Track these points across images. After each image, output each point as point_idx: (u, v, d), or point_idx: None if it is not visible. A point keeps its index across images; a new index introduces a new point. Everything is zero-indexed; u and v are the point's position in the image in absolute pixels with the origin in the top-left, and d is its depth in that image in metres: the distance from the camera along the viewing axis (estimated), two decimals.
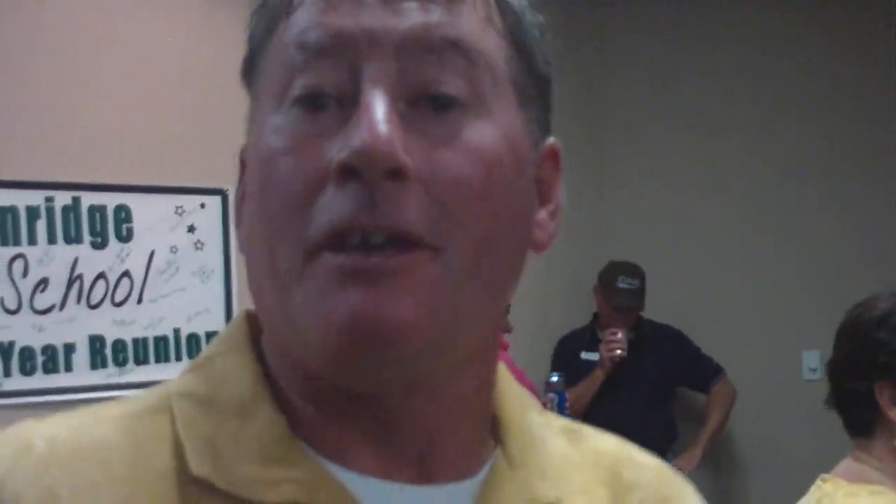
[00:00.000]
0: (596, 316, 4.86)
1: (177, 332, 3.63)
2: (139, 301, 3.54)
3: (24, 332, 3.31)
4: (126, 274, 3.52)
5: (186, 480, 0.71)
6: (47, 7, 3.41)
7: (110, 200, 3.50)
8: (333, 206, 0.67)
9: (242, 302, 3.58)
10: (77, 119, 3.44)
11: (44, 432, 0.72)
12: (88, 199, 3.45)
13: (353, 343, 0.67)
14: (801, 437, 4.60)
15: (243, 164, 0.81)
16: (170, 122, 3.62)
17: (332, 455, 0.73)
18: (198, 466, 0.71)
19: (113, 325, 3.48)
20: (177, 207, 3.64)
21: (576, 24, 5.06)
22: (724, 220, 4.96)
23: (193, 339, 3.64)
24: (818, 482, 2.00)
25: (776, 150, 4.83)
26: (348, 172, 0.66)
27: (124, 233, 3.52)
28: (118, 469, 0.70)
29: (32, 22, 3.37)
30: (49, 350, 3.35)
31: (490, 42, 0.74)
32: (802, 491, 2.03)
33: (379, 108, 0.68)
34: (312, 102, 0.71)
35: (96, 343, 3.45)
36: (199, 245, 3.66)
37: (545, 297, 4.76)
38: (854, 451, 2.00)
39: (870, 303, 2.02)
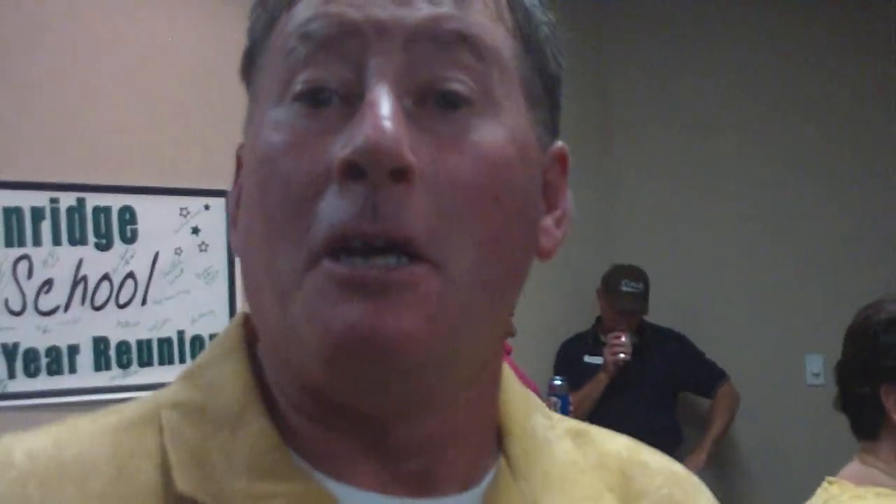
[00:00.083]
0: (599, 319, 4.86)
1: (181, 333, 3.63)
2: (143, 303, 3.55)
3: (29, 333, 3.31)
4: (130, 275, 3.52)
5: (171, 498, 0.68)
6: (48, 8, 3.42)
7: (115, 202, 3.51)
8: (334, 210, 0.64)
9: (246, 304, 3.58)
10: (82, 121, 3.44)
11: (25, 446, 0.69)
12: (93, 201, 3.46)
13: (352, 355, 0.64)
14: (805, 441, 4.59)
15: (239, 163, 0.78)
16: (174, 124, 3.63)
17: (327, 468, 0.70)
18: (183, 482, 0.68)
19: (117, 326, 3.48)
20: (181, 209, 3.65)
21: (578, 25, 5.06)
22: (727, 223, 4.96)
23: (198, 341, 3.64)
24: (824, 485, 2.00)
25: (779, 154, 4.82)
26: (351, 171, 0.64)
27: (129, 234, 3.53)
28: (98, 486, 0.67)
29: (35, 23, 3.38)
30: (53, 352, 3.35)
31: (500, 38, 0.71)
32: (806, 495, 2.03)
33: (385, 104, 0.65)
34: (315, 98, 0.68)
35: (100, 345, 3.45)
36: (203, 247, 3.67)
37: (549, 301, 4.76)
38: (860, 453, 2.01)
39: (878, 305, 2.02)
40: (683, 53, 5.10)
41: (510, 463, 0.76)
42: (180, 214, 3.64)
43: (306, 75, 0.68)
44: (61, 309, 3.38)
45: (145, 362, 3.54)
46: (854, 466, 2.00)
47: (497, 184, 0.68)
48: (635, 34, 5.23)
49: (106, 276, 3.47)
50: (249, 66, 0.75)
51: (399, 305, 0.64)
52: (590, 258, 4.95)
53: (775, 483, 4.73)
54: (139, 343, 3.53)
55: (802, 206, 4.77)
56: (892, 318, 1.97)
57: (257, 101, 0.73)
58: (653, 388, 4.61)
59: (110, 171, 3.49)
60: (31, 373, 3.30)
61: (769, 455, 4.84)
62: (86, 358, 3.42)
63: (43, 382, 3.32)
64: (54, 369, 3.35)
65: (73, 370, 3.38)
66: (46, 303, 3.35)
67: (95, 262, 3.45)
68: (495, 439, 0.78)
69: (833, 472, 2.02)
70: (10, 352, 3.28)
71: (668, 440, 4.58)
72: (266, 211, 0.68)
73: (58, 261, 3.38)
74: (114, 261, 3.49)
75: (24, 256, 3.32)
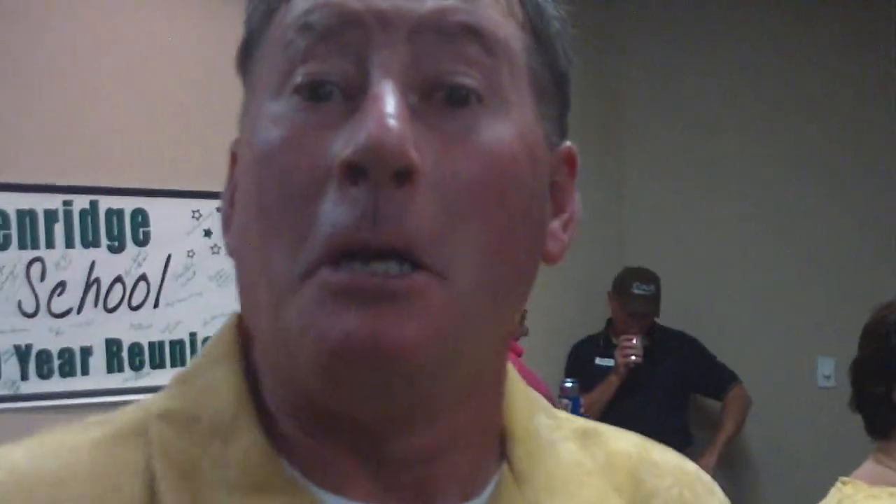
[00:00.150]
0: (610, 322, 4.86)
1: (193, 336, 3.64)
2: (156, 305, 3.56)
3: (42, 335, 3.33)
4: (143, 278, 3.53)
5: None
6: (57, 11, 3.43)
7: (128, 204, 3.52)
8: (334, 216, 0.61)
9: None
10: (94, 124, 3.45)
11: (6, 460, 0.66)
12: (106, 203, 3.47)
13: (349, 363, 0.61)
14: (816, 444, 4.59)
15: (234, 159, 0.74)
16: (186, 127, 3.63)
17: (321, 479, 0.67)
18: (170, 499, 0.65)
19: (130, 328, 3.50)
20: (193, 212, 3.66)
21: (583, 25, 5.06)
22: (738, 225, 4.95)
23: None
24: (838, 484, 2.00)
25: (787, 155, 4.82)
26: (353, 171, 0.60)
27: (141, 237, 3.54)
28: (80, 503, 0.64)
29: (44, 28, 3.39)
30: (66, 353, 3.37)
31: (510, 32, 0.67)
32: (817, 498, 2.03)
33: (389, 100, 0.61)
34: (315, 91, 0.64)
35: (113, 347, 3.46)
36: (215, 249, 3.68)
37: (560, 303, 4.76)
38: (875, 453, 2.01)
39: (894, 305, 2.03)
40: (689, 54, 5.10)
41: (513, 468, 0.73)
42: (192, 217, 3.65)
43: (306, 68, 0.65)
44: (74, 311, 3.39)
45: (157, 364, 3.55)
46: (868, 466, 2.00)
47: (504, 185, 0.64)
48: (641, 35, 5.24)
49: (119, 279, 3.48)
50: (246, 58, 0.72)
51: (400, 314, 0.61)
52: (601, 260, 4.95)
53: (787, 485, 4.73)
54: (151, 345, 3.55)
55: (815, 210, 4.76)
56: None
57: (254, 94, 0.70)
58: (664, 391, 4.61)
59: (123, 175, 3.50)
60: (44, 374, 3.32)
61: (781, 458, 4.83)
62: (98, 360, 3.43)
63: (56, 384, 3.33)
64: (67, 371, 3.36)
65: (85, 372, 3.39)
66: (59, 305, 3.36)
67: (108, 265, 3.46)
68: (498, 444, 0.74)
69: (844, 475, 2.02)
70: (23, 353, 3.29)
71: (678, 442, 4.55)
72: (262, 210, 0.65)
73: (71, 263, 3.39)
74: (126, 263, 3.50)
75: (38, 259, 3.33)
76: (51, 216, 3.36)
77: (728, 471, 4.77)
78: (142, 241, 3.54)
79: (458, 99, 0.64)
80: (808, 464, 4.50)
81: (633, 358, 4.51)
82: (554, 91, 0.72)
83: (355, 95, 0.63)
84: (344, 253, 0.61)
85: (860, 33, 4.67)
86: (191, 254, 3.63)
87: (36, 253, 3.33)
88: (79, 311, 3.39)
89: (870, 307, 2.10)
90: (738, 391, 4.72)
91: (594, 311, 4.96)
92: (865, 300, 2.35)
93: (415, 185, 0.61)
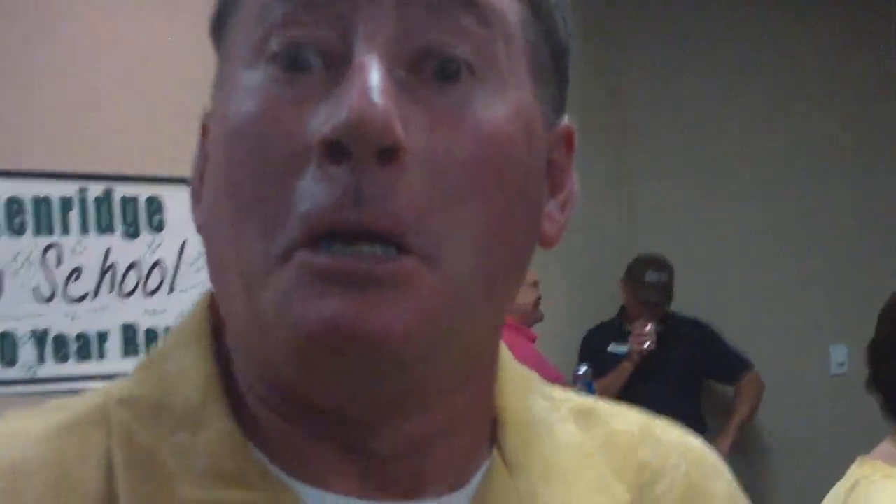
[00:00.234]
0: (623, 309, 4.87)
1: None
2: (171, 290, 3.57)
3: (58, 319, 3.34)
4: (158, 264, 3.55)
5: None
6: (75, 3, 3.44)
7: (142, 191, 3.53)
8: (313, 196, 0.57)
9: None
10: (110, 111, 3.47)
11: None
12: (121, 190, 3.49)
13: (329, 349, 0.57)
14: (829, 431, 4.60)
15: (205, 131, 0.70)
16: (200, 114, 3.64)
17: (298, 471, 0.63)
18: (130, 491, 0.60)
19: (145, 314, 3.51)
20: None
21: (594, 14, 5.07)
22: (751, 214, 4.95)
23: None
24: (856, 464, 2.01)
25: (803, 144, 4.82)
26: (334, 150, 0.56)
27: (156, 223, 3.55)
28: (33, 496, 0.60)
29: (62, 16, 3.40)
30: (82, 338, 3.38)
31: (505, 3, 0.63)
32: (830, 484, 2.04)
33: (374, 73, 0.57)
34: (293, 61, 0.60)
35: (129, 331, 3.48)
36: None
37: (573, 290, 4.77)
38: (893, 434, 2.02)
39: None
40: (711, 44, 5.09)
41: (504, 455, 0.69)
42: None
43: (284, 34, 0.60)
44: (90, 296, 3.40)
45: None
46: (886, 447, 2.02)
47: (499, 165, 0.60)
48: (656, 23, 5.23)
49: (134, 265, 3.49)
50: (220, 25, 0.67)
51: (387, 300, 0.57)
52: (614, 247, 4.96)
53: (800, 472, 4.73)
54: (167, 330, 3.56)
55: (827, 197, 4.76)
56: None
57: (228, 63, 0.65)
58: (677, 377, 4.62)
59: (138, 162, 3.51)
60: (60, 358, 3.34)
61: (794, 445, 4.84)
62: (114, 344, 3.45)
63: (72, 368, 3.35)
64: (83, 355, 3.38)
65: (101, 356, 3.41)
66: (75, 290, 3.38)
67: (123, 251, 3.48)
68: (490, 431, 0.70)
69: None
70: (39, 337, 3.31)
71: (691, 429, 4.56)
72: (234, 188, 0.60)
73: (86, 249, 3.41)
74: (141, 249, 3.52)
75: (53, 245, 3.35)
76: (66, 203, 3.38)
77: (741, 457, 4.77)
78: (156, 228, 3.55)
79: (449, 73, 0.60)
80: (822, 450, 4.51)
81: (647, 345, 4.52)
82: (552, 66, 0.67)
83: (337, 67, 0.59)
84: (323, 234, 0.57)
85: (861, 32, 4.68)
86: None
87: (52, 238, 3.35)
88: (94, 296, 3.41)
89: (882, 294, 2.11)
90: (752, 377, 4.73)
91: (608, 298, 4.96)
92: (878, 287, 2.36)
93: (401, 164, 0.57)
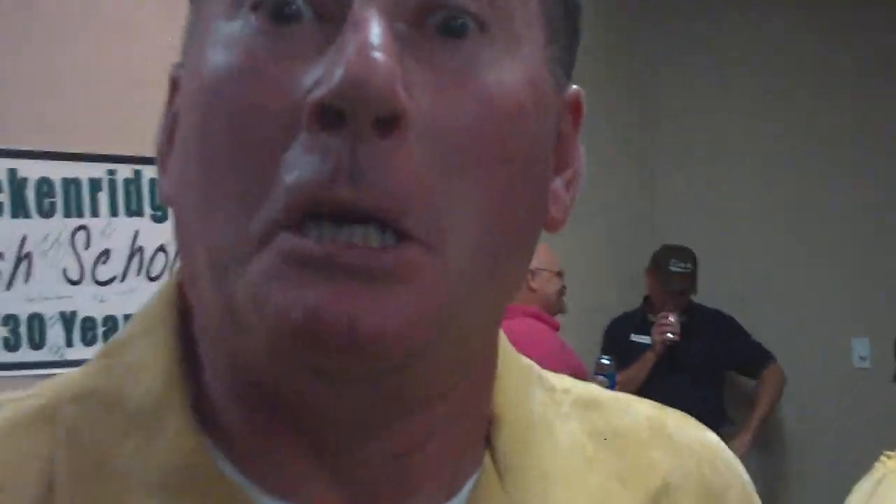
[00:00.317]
0: (647, 299, 4.87)
1: None
2: None
3: (86, 302, 3.37)
4: None
5: None
6: None
7: None
8: (301, 168, 0.49)
9: None
10: (138, 94, 3.49)
11: None
12: (149, 173, 3.50)
13: (313, 347, 0.49)
14: (851, 424, 4.59)
15: (175, 85, 0.62)
16: None
17: (265, 482, 0.56)
18: (67, 498, 0.55)
19: None
20: None
21: (628, 6, 5.06)
22: (774, 205, 4.94)
23: None
24: (882, 459, 2.01)
25: (826, 137, 4.80)
26: (327, 117, 0.49)
27: None
28: None
29: (95, 4, 3.43)
30: (110, 321, 3.41)
31: None
32: (851, 478, 2.04)
33: (374, 27, 0.50)
34: (280, 10, 0.52)
35: None
36: None
37: (597, 280, 4.77)
38: None
39: None
40: (725, 32, 5.07)
41: (497, 460, 0.61)
42: None
43: None
44: (118, 279, 3.43)
45: None
46: None
47: (508, 137, 0.53)
48: (689, 15, 5.22)
49: (162, 248, 3.52)
50: None
51: (384, 294, 0.50)
52: (638, 237, 4.96)
53: (821, 466, 4.73)
54: None
55: (851, 190, 4.74)
56: None
57: (201, 6, 0.58)
58: (699, 369, 4.62)
59: None
60: (88, 341, 3.37)
61: (816, 438, 4.83)
62: None
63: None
64: (111, 337, 3.41)
65: None
66: (104, 273, 3.40)
67: (151, 234, 3.50)
68: (485, 430, 0.63)
69: (879, 456, 2.03)
70: (68, 320, 3.33)
71: (713, 420, 4.57)
72: (208, 156, 0.53)
73: (115, 231, 3.43)
74: (169, 232, 3.53)
75: (82, 227, 3.37)
76: (95, 185, 3.40)
77: (763, 451, 4.78)
78: None
79: (455, 27, 0.53)
80: (844, 444, 4.50)
81: (670, 335, 4.52)
82: (566, 23, 0.60)
83: (331, 19, 0.52)
84: (310, 213, 0.50)
85: None
86: None
87: (81, 221, 3.37)
88: (122, 279, 3.44)
89: None
90: (774, 369, 4.72)
91: (631, 287, 4.97)
92: None
93: (402, 134, 0.50)
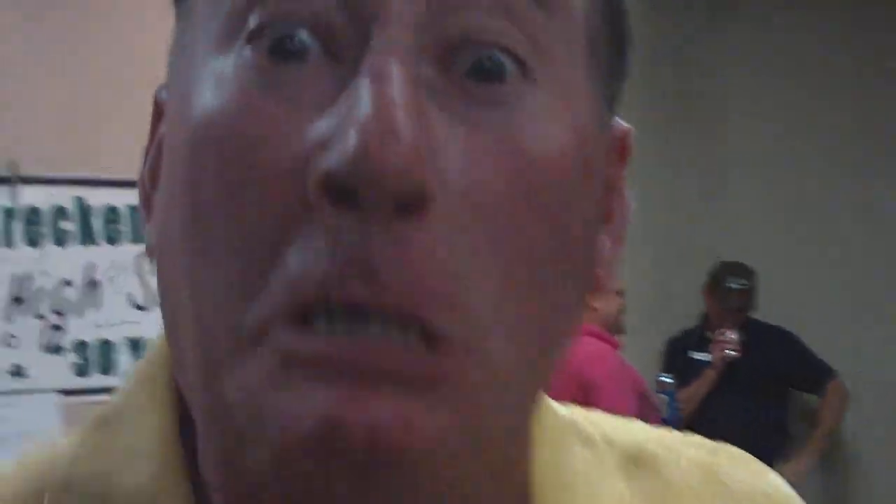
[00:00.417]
0: (706, 316, 4.86)
1: None
2: None
3: (153, 328, 3.42)
4: None
5: None
6: (148, 7, 3.52)
7: None
8: (306, 257, 0.41)
9: None
10: None
11: None
12: None
13: (330, 462, 0.40)
14: None
15: (159, 110, 0.53)
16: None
17: None
18: None
19: None
20: None
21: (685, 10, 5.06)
22: (835, 220, 4.91)
23: None
24: None
25: (889, 151, 4.77)
26: (337, 193, 0.40)
27: None
28: None
29: (135, 28, 3.49)
30: None
31: None
32: None
33: (396, 79, 0.41)
34: (280, 44, 0.43)
35: None
36: None
37: (655, 297, 4.77)
38: None
39: None
40: (788, 44, 5.05)
41: None
42: None
43: (269, 7, 0.43)
44: None
45: None
46: None
47: (556, 209, 0.45)
48: (750, 24, 5.18)
49: None
50: None
51: (416, 404, 0.41)
52: (696, 254, 4.95)
53: (885, 485, 4.68)
54: None
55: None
56: None
57: (189, 24, 0.49)
58: (760, 386, 4.59)
59: None
60: None
61: (880, 454, 4.78)
62: None
63: None
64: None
65: None
66: None
67: None
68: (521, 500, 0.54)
69: None
70: (134, 345, 3.39)
71: (775, 438, 4.55)
72: (197, 216, 0.44)
73: None
74: None
75: None
76: None
77: (827, 468, 4.74)
78: None
79: (491, 71, 0.44)
80: None
81: (730, 352, 4.50)
82: (615, 61, 0.51)
83: (342, 56, 0.43)
84: (316, 310, 0.41)
85: None
86: None
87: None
88: None
89: None
90: (836, 386, 4.67)
91: (690, 305, 4.95)
92: None
93: (427, 217, 0.41)
